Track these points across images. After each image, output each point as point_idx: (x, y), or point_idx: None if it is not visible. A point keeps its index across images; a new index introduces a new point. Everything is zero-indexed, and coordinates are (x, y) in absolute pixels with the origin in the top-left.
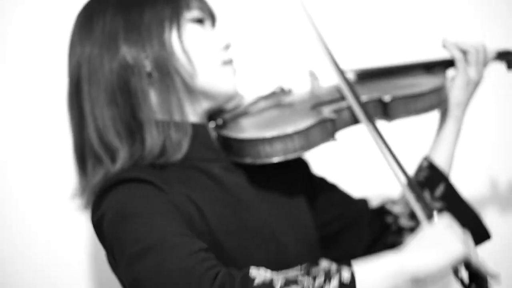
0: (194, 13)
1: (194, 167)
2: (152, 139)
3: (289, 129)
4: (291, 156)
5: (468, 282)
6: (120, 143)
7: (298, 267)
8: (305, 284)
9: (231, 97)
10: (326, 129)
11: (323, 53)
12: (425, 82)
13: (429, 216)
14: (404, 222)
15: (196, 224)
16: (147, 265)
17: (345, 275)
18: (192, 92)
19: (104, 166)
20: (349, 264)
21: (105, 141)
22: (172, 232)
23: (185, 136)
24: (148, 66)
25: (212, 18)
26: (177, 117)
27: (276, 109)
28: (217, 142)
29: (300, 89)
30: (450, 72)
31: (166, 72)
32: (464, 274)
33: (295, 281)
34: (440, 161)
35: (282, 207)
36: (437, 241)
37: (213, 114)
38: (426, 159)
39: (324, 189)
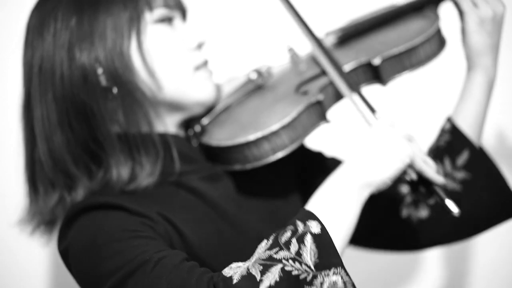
0: (158, 12)
1: (172, 183)
2: (118, 165)
3: (274, 125)
4: (282, 153)
5: (416, 183)
6: (77, 170)
7: (264, 242)
8: (283, 259)
9: (208, 105)
10: (316, 113)
11: (295, 21)
12: (416, 29)
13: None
14: (420, 194)
15: (175, 245)
16: None
17: (313, 226)
18: (160, 105)
19: (57, 192)
20: (308, 214)
21: (60, 167)
22: (151, 251)
23: (157, 156)
24: (103, 80)
25: (182, 11)
26: (145, 132)
27: (257, 97)
28: (199, 151)
29: (280, 66)
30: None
31: (125, 88)
32: (413, 175)
33: (272, 260)
34: (465, 124)
35: (272, 210)
36: (383, 145)
37: (190, 120)
38: (449, 120)
39: (321, 163)
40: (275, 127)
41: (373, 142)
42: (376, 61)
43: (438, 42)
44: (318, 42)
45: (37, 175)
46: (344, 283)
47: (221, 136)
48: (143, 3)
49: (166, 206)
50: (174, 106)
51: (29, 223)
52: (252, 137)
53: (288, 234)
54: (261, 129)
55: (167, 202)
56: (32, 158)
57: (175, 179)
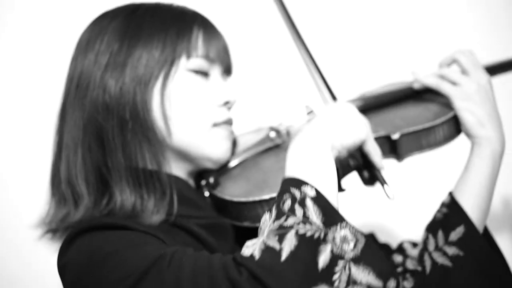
0: (195, 62)
1: (173, 224)
2: (123, 195)
3: None
4: None
5: (361, 168)
6: (87, 189)
7: (267, 215)
8: (294, 223)
9: (219, 163)
10: None
11: (318, 86)
12: (436, 110)
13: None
14: (410, 264)
15: None
16: None
17: (308, 191)
18: (169, 150)
19: (66, 208)
20: (300, 182)
21: (72, 183)
22: (161, 248)
23: (163, 196)
24: (122, 112)
25: (226, 65)
26: (153, 169)
27: (273, 156)
28: (209, 201)
29: (297, 126)
30: None
31: (139, 124)
32: (359, 159)
33: (284, 228)
34: (468, 197)
35: None
36: (349, 115)
37: (204, 171)
38: (450, 193)
39: None
40: None
41: (340, 111)
42: (395, 136)
43: (456, 125)
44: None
45: (55, 186)
46: (354, 234)
47: (235, 192)
48: (182, 49)
49: (168, 239)
50: (182, 155)
51: (40, 227)
52: (267, 196)
53: (288, 202)
54: (276, 189)
55: (169, 237)
56: (56, 169)
57: (177, 220)
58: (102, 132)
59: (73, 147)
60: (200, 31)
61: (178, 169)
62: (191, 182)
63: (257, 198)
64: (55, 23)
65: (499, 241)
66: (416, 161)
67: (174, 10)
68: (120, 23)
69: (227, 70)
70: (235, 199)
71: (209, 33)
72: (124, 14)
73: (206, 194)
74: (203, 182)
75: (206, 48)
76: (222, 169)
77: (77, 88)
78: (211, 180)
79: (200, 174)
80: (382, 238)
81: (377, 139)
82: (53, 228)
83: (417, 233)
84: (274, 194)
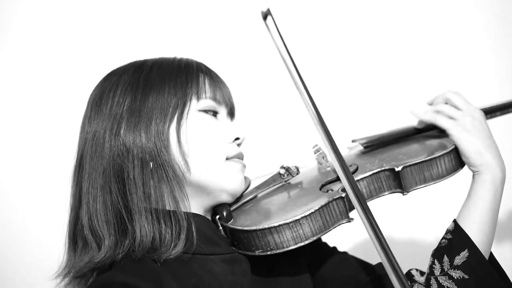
0: (204, 103)
1: (194, 261)
2: (142, 232)
3: (297, 214)
4: (303, 243)
5: None
6: (108, 231)
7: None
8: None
9: (233, 195)
10: (338, 209)
11: (320, 133)
12: (437, 144)
13: None
14: None
15: None
16: None
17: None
18: (188, 186)
19: (90, 252)
20: None
21: (94, 227)
22: None
23: (180, 232)
24: (142, 153)
25: (230, 108)
26: (171, 208)
27: (283, 191)
28: (224, 235)
29: (307, 166)
30: None
31: (159, 163)
32: None
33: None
34: (471, 222)
35: None
36: None
37: (218, 206)
38: (454, 220)
39: (333, 257)
40: (298, 216)
41: None
42: (398, 168)
43: (457, 158)
44: (338, 156)
45: (78, 232)
46: None
47: (246, 222)
48: (192, 93)
49: (183, 282)
50: (200, 189)
51: (64, 276)
52: (275, 223)
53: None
54: (284, 217)
55: (185, 281)
56: (77, 216)
57: (195, 257)
58: (123, 173)
59: (93, 192)
60: (206, 77)
61: (196, 205)
62: (209, 217)
63: (266, 225)
64: (54, 29)
65: (503, 252)
66: (423, 193)
67: (179, 61)
68: (130, 76)
69: (231, 113)
70: (246, 228)
71: (214, 79)
72: (133, 69)
73: (220, 227)
74: (218, 216)
75: (213, 91)
76: (235, 204)
77: (93, 140)
78: (225, 213)
79: (215, 210)
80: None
81: (382, 172)
82: (78, 273)
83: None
84: (283, 221)
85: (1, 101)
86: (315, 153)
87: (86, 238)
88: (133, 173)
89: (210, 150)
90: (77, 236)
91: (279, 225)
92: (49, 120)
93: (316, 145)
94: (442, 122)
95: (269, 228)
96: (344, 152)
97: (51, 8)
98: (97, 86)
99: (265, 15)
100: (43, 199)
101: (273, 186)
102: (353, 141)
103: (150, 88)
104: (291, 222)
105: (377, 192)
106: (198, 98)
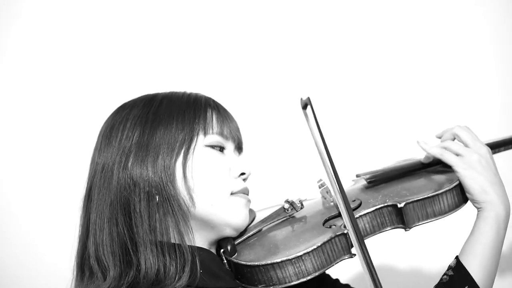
0: (211, 138)
1: None
2: (147, 264)
3: (300, 250)
4: (305, 279)
5: None
6: (113, 262)
7: None
8: None
9: (237, 229)
10: (340, 245)
11: (325, 170)
12: (440, 181)
13: None
14: None
15: None
16: None
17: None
18: (193, 220)
19: (96, 282)
20: None
21: (99, 257)
22: None
23: (185, 265)
24: (149, 187)
25: (238, 143)
26: (176, 241)
27: (287, 225)
28: (228, 269)
29: (312, 199)
30: None
31: (165, 197)
32: None
33: None
34: (473, 259)
35: None
36: None
37: (223, 240)
38: (456, 257)
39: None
40: (301, 252)
41: None
42: (401, 204)
43: (461, 194)
44: (342, 194)
45: (85, 262)
46: None
47: (249, 257)
48: (199, 128)
49: None
50: (205, 223)
51: None
52: (278, 259)
53: None
54: (287, 253)
55: None
56: (84, 246)
57: None
58: (129, 205)
59: (100, 223)
60: (213, 112)
61: (200, 239)
62: (213, 250)
63: (269, 262)
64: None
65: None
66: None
67: (188, 96)
68: (140, 110)
69: (239, 147)
70: (249, 263)
71: (222, 114)
72: (143, 103)
73: (224, 261)
74: (222, 250)
75: (220, 127)
76: (240, 237)
77: (102, 172)
78: (229, 247)
79: (220, 244)
80: None
81: (385, 208)
82: None
83: None
84: (286, 257)
85: (12, 126)
86: (319, 188)
87: (92, 268)
88: (139, 206)
89: (215, 185)
90: (84, 265)
91: (282, 261)
92: (63, 149)
93: (321, 180)
94: (448, 158)
95: (272, 264)
96: (348, 186)
97: (58, 19)
98: (108, 118)
99: (305, 104)
100: (54, 225)
101: (277, 220)
102: (357, 175)
103: (159, 123)
104: (293, 258)
105: (379, 228)
106: (205, 134)
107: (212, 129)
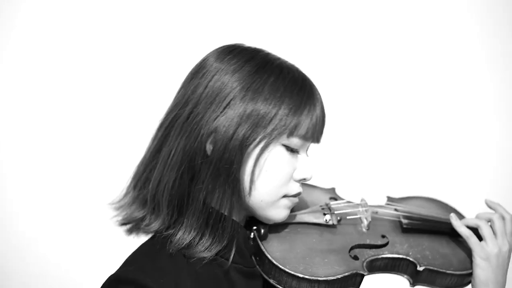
0: (293, 141)
1: (218, 266)
2: (186, 230)
3: (321, 275)
4: None
5: None
6: (167, 209)
7: None
8: None
9: (274, 223)
10: (354, 282)
11: None
12: (461, 259)
13: None
14: None
15: None
16: None
17: None
18: (241, 203)
19: (143, 211)
20: None
21: (157, 197)
22: None
23: (222, 237)
24: (219, 163)
25: (318, 139)
26: (224, 214)
27: (319, 234)
28: (251, 248)
29: (350, 217)
30: None
31: (231, 180)
32: None
33: None
34: None
35: None
36: None
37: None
38: None
39: None
40: (321, 278)
41: None
42: (420, 268)
43: (468, 278)
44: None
45: (139, 186)
46: None
47: (276, 254)
48: (289, 127)
49: (202, 285)
50: (247, 208)
51: (115, 209)
52: (300, 274)
53: None
54: (310, 271)
55: (205, 282)
56: (143, 170)
57: (222, 262)
58: (195, 172)
59: (169, 168)
60: (309, 113)
61: (238, 214)
62: (243, 222)
63: (291, 272)
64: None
65: None
66: None
67: (304, 88)
68: (249, 72)
69: (317, 142)
70: (273, 260)
71: (318, 115)
72: (258, 66)
73: (251, 236)
74: (255, 228)
75: (307, 129)
76: (274, 225)
77: (189, 115)
78: (263, 231)
79: (254, 219)
80: None
81: (405, 260)
82: (124, 222)
83: None
84: (307, 276)
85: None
86: (360, 208)
87: (148, 200)
88: (204, 177)
89: (274, 188)
90: (140, 188)
91: (302, 277)
92: (63, 149)
93: (363, 200)
94: (472, 243)
95: (292, 274)
96: (380, 209)
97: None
98: (220, 54)
99: None
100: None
101: (312, 222)
102: (388, 198)
103: (263, 98)
104: (313, 281)
105: (390, 269)
106: (291, 134)
107: (298, 131)
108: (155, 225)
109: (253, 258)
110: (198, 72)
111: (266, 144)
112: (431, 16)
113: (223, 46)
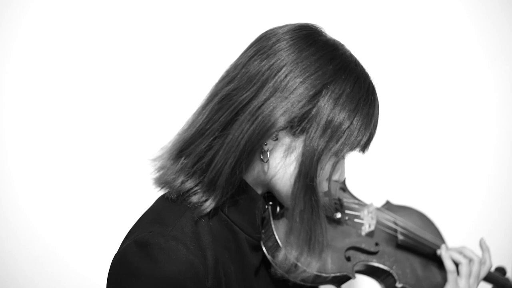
0: (350, 153)
1: (233, 232)
2: (216, 198)
3: (314, 269)
4: (302, 283)
5: None
6: (221, 190)
7: None
8: None
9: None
10: (339, 281)
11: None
12: (433, 285)
13: None
14: None
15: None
16: None
17: None
18: (268, 186)
19: (191, 182)
20: None
21: (215, 179)
22: None
23: (242, 211)
24: (280, 139)
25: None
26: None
27: (333, 228)
28: (262, 221)
29: (357, 217)
30: None
31: (305, 172)
32: None
33: None
34: None
35: None
36: None
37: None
38: None
39: None
40: (314, 272)
41: None
42: (399, 284)
43: None
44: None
45: (196, 160)
46: None
47: (281, 235)
48: (362, 145)
49: (219, 246)
50: (270, 188)
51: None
52: (299, 263)
53: None
54: (309, 260)
55: (221, 242)
56: (192, 143)
57: (236, 229)
58: (256, 148)
59: (231, 152)
60: (374, 128)
61: (261, 189)
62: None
63: (291, 258)
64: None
65: None
66: None
67: (368, 92)
68: (330, 75)
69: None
70: (280, 242)
71: (376, 127)
72: (338, 71)
73: (265, 214)
74: (271, 203)
75: (367, 142)
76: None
77: (262, 105)
78: (278, 210)
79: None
80: None
81: (388, 273)
82: (163, 184)
83: None
84: (304, 267)
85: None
86: (366, 210)
87: (195, 172)
88: (258, 153)
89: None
90: (185, 157)
91: (299, 265)
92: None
93: (372, 205)
94: (451, 278)
95: (291, 261)
96: (380, 215)
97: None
98: (296, 42)
99: None
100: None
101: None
102: (388, 203)
103: (338, 109)
104: (306, 272)
105: (370, 275)
106: (354, 148)
107: (360, 144)
108: (207, 202)
109: (264, 237)
110: (269, 55)
111: (335, 155)
112: (431, 16)
113: (299, 29)
